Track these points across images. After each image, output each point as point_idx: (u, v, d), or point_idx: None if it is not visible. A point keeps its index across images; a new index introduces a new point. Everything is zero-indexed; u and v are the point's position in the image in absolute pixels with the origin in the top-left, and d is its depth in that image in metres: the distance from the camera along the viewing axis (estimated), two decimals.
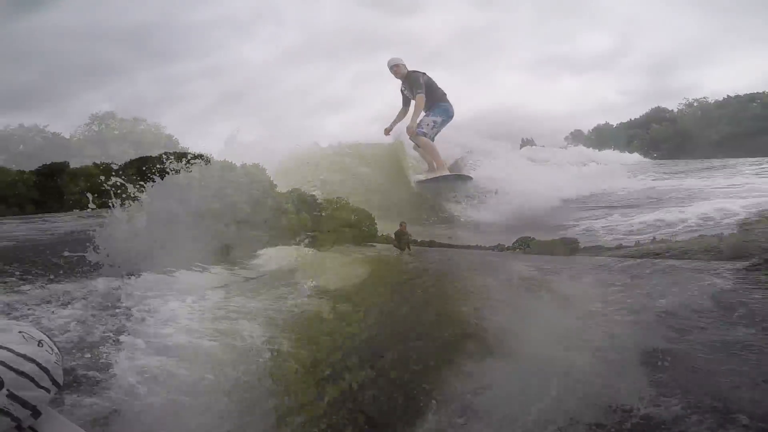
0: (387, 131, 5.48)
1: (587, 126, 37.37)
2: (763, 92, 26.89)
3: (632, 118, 32.97)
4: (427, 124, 5.10)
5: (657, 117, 29.61)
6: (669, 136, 25.92)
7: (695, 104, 29.48)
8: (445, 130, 5.20)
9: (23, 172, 11.78)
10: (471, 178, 4.95)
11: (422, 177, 5.10)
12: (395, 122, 5.45)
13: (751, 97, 27.13)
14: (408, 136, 5.27)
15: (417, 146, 5.25)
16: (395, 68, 5.04)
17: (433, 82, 5.10)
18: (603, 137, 29.36)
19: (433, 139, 5.13)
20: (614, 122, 33.81)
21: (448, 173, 5.07)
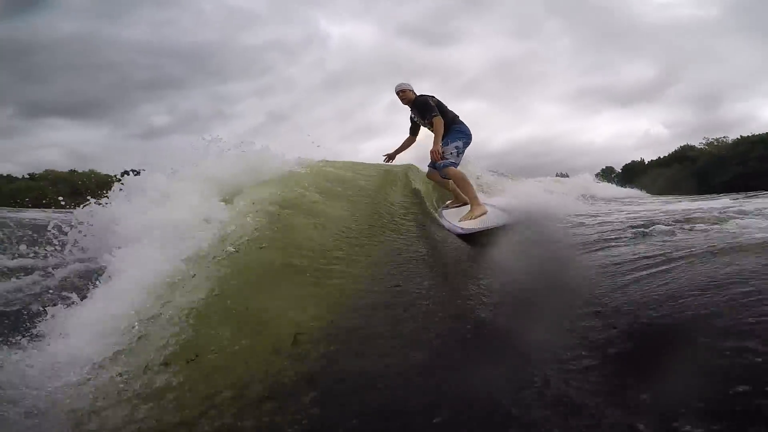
0: (390, 158, 4.55)
1: (629, 159, 37.01)
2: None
3: (661, 156, 33.61)
4: (451, 153, 4.04)
5: (682, 155, 29.69)
6: (687, 175, 25.64)
7: (715, 143, 29.71)
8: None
9: None
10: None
11: (461, 220, 3.75)
12: (399, 150, 4.55)
13: (761, 138, 27.83)
14: (432, 163, 4.07)
15: (445, 179, 4.11)
16: (402, 93, 4.29)
17: (444, 104, 4.27)
18: (632, 174, 29.18)
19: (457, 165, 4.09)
20: (656, 156, 33.76)
21: (489, 214, 3.83)
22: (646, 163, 33.72)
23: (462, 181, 4.03)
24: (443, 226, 3.67)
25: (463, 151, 3.98)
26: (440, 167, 4.02)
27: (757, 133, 28.82)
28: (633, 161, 35.65)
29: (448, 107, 4.20)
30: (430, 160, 4.16)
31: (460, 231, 3.49)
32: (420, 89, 4.32)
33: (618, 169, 35.59)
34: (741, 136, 29.36)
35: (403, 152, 4.38)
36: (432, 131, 3.99)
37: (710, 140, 30.30)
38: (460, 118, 4.09)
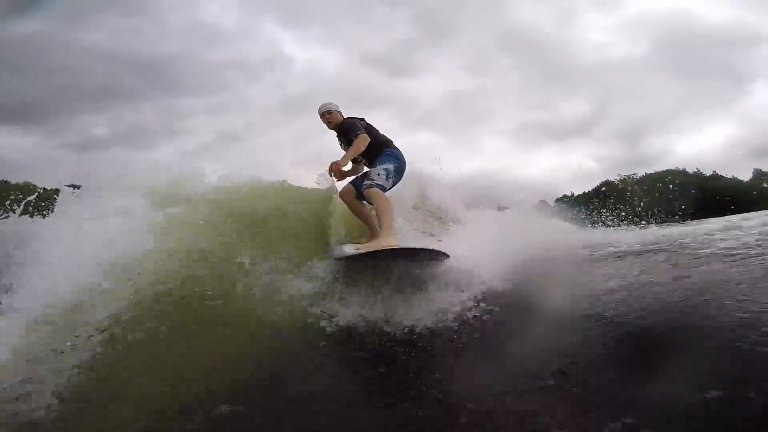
0: (332, 187, 3.85)
1: (563, 193, 39.15)
2: (673, 169, 35.27)
3: (586, 191, 38.71)
4: (378, 174, 3.34)
5: (602, 190, 34.87)
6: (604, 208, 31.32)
7: (627, 179, 35.54)
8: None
9: None
10: (448, 256, 2.87)
11: (355, 248, 3.02)
12: (352, 172, 3.86)
13: (661, 175, 33.73)
14: (334, 180, 3.60)
15: (366, 201, 3.44)
16: (328, 115, 3.64)
17: (375, 128, 3.64)
18: (563, 208, 32.96)
19: (385, 191, 3.33)
20: (582, 190, 38.10)
21: (400, 245, 2.92)
22: (574, 196, 38.17)
23: (384, 207, 3.18)
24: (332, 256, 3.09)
25: (395, 177, 3.43)
26: (363, 188, 3.32)
27: (664, 169, 35.29)
28: (564, 195, 40.10)
29: (380, 132, 3.63)
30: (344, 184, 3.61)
31: (352, 253, 2.85)
32: (378, 118, 3.47)
33: (551, 202, 39.10)
34: (645, 173, 35.79)
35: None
36: (371, 155, 3.45)
37: (623, 176, 36.20)
38: (394, 143, 3.59)
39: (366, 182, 3.30)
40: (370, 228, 3.53)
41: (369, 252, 2.76)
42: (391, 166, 3.41)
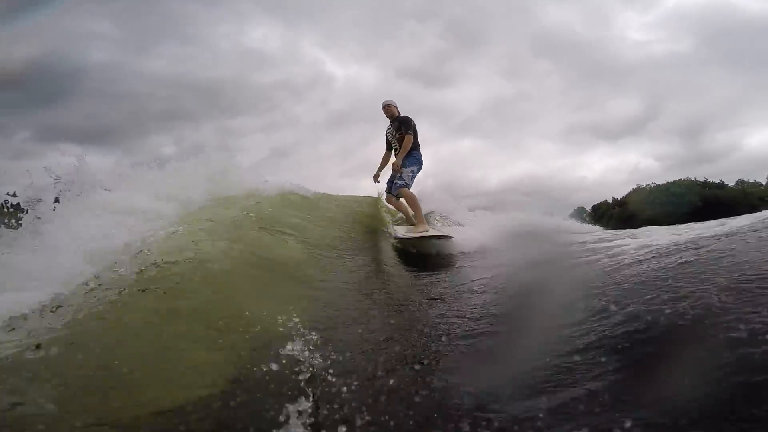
0: (376, 178, 5.03)
1: (623, 193, 40.13)
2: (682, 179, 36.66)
3: (615, 198, 39.83)
4: (407, 175, 4.57)
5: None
6: (623, 215, 32.12)
7: (646, 188, 37.73)
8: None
9: None
10: (452, 237, 4.32)
11: (405, 232, 4.44)
12: (381, 167, 5.02)
13: (670, 185, 35.89)
14: (389, 188, 4.79)
15: (397, 197, 4.73)
16: (388, 108, 4.81)
17: (417, 131, 4.75)
18: (600, 214, 34.71)
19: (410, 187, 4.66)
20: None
21: (432, 231, 4.41)
22: (610, 202, 39.89)
23: (412, 201, 4.51)
24: (391, 235, 4.37)
25: (416, 175, 4.65)
26: (395, 189, 4.58)
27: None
28: (600, 202, 41.43)
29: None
30: (387, 186, 4.80)
31: (400, 236, 4.22)
32: (418, 126, 4.69)
33: (588, 209, 39.61)
34: (654, 183, 38.56)
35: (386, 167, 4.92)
36: (398, 149, 4.59)
37: (638, 186, 38.97)
38: (420, 148, 4.70)
39: (398, 182, 4.56)
40: (406, 216, 4.80)
41: (416, 236, 4.18)
42: (416, 168, 4.67)
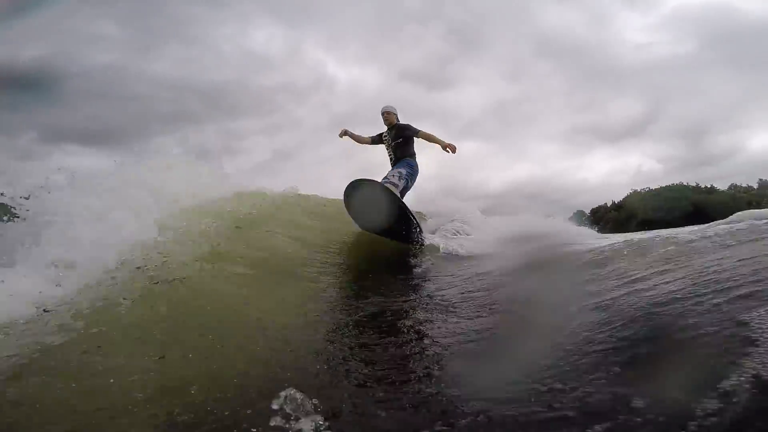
0: (343, 133, 4.97)
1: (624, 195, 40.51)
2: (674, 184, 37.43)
3: (614, 201, 40.11)
4: (393, 175, 4.55)
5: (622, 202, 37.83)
6: (619, 218, 33.44)
7: (639, 192, 38.66)
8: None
9: None
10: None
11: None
12: (355, 137, 4.99)
13: (662, 189, 36.16)
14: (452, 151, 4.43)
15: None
16: (387, 114, 4.79)
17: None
18: (599, 217, 34.70)
19: (402, 197, 4.49)
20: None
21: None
22: (609, 206, 40.34)
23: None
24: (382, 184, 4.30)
25: (406, 179, 4.49)
26: (385, 182, 4.43)
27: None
28: (599, 206, 41.65)
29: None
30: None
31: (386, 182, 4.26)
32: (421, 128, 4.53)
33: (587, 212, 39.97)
34: (660, 185, 38.74)
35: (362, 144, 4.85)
36: (397, 154, 4.60)
37: (634, 190, 39.58)
38: (417, 156, 4.66)
39: (383, 180, 4.43)
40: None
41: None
42: (404, 171, 4.53)
